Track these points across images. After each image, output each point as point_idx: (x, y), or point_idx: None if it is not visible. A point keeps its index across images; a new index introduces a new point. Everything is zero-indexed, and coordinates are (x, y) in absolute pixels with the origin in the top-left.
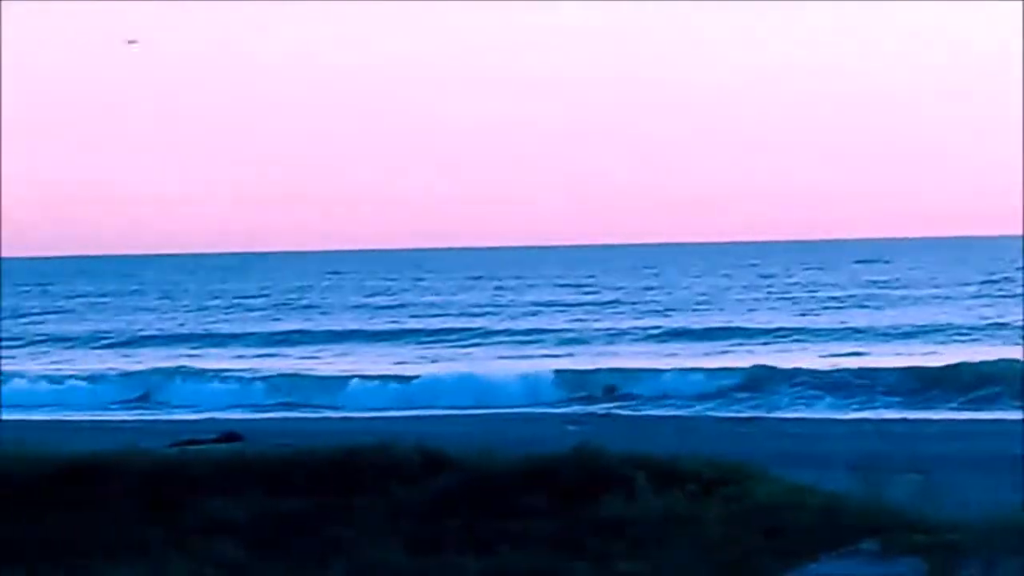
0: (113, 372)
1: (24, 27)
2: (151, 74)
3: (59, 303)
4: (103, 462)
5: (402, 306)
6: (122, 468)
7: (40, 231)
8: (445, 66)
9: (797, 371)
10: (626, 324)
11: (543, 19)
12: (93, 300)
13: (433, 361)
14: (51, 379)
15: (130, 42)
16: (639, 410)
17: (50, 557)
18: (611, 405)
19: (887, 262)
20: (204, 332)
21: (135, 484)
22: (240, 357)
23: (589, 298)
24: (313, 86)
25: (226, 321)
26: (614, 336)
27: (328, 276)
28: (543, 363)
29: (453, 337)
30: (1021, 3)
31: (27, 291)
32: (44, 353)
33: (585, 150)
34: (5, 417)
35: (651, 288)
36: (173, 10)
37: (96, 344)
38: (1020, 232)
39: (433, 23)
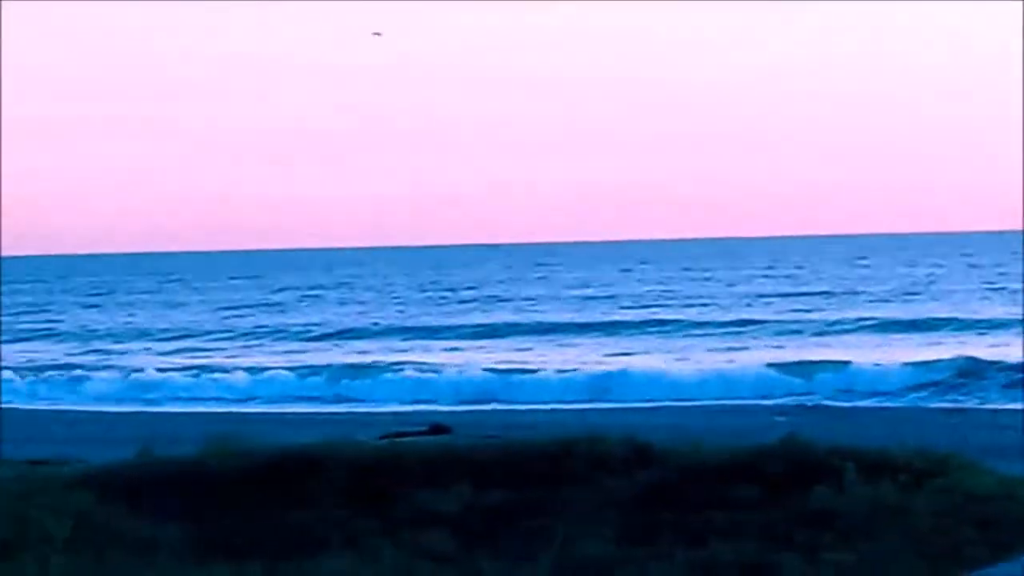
0: (322, 364)
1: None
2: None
3: (269, 296)
4: (315, 454)
5: (612, 297)
6: (333, 460)
7: (252, 225)
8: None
9: (1009, 362)
10: (837, 315)
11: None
12: (304, 293)
13: (644, 352)
14: (261, 372)
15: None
16: (849, 401)
17: (263, 550)
18: (821, 396)
19: None
20: (413, 325)
21: (346, 476)
22: (451, 349)
23: (800, 289)
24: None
25: (435, 313)
26: (825, 326)
27: (537, 267)
28: (754, 354)
29: (665, 328)
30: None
31: (237, 283)
32: (256, 346)
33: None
34: (216, 410)
35: (862, 278)
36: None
37: (306, 336)
38: None
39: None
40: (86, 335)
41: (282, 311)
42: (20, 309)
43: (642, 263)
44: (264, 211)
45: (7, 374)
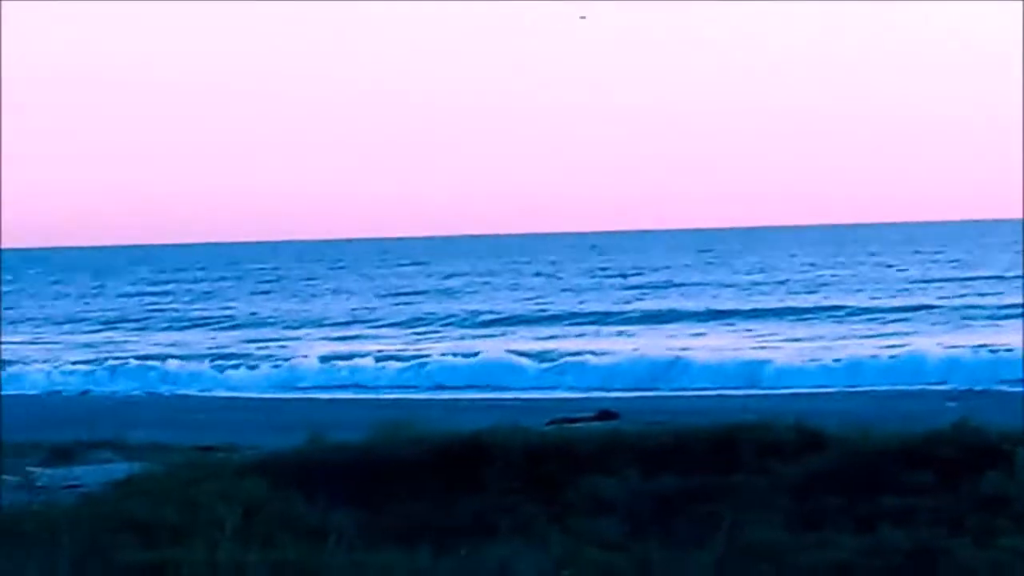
0: (489, 350)
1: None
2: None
3: (439, 282)
4: (483, 441)
5: (782, 283)
6: (502, 446)
7: (429, 213)
8: None
9: None
10: (1009, 299)
11: None
12: (472, 279)
13: (813, 338)
14: (427, 357)
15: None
16: (1020, 386)
17: (432, 536)
18: (992, 380)
19: None
20: (580, 310)
21: (515, 462)
22: (619, 334)
23: (969, 273)
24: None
25: (604, 299)
26: (996, 311)
27: (703, 253)
28: (924, 339)
29: (836, 313)
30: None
31: (405, 270)
32: (425, 332)
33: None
34: (384, 396)
35: None
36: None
37: (475, 323)
38: None
39: None
40: (256, 322)
41: (452, 297)
42: (192, 296)
43: (810, 247)
44: (422, 199)
45: (174, 363)
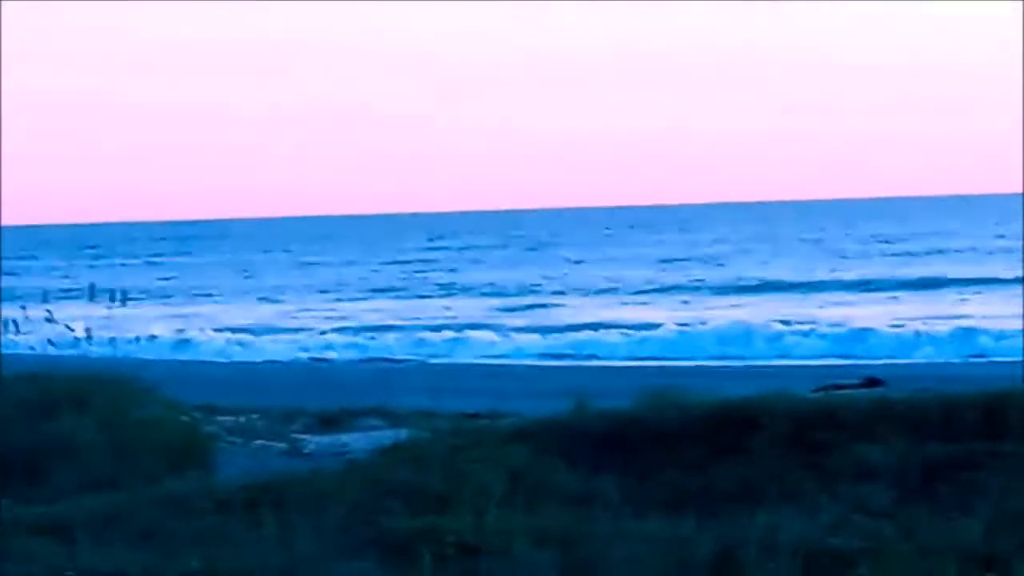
0: (749, 317)
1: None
2: None
3: (703, 249)
4: (751, 407)
5: None
6: (769, 413)
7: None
8: None
9: None
10: None
11: None
12: (740, 245)
13: None
14: (688, 324)
15: None
16: None
17: (698, 503)
18: None
19: None
20: (842, 278)
21: (782, 428)
22: (886, 301)
23: None
24: None
25: (866, 266)
26: None
27: (968, 217)
28: None
29: None
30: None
31: (668, 237)
32: (686, 299)
33: None
34: (645, 364)
35: None
36: None
37: (737, 288)
38: None
39: None
40: (520, 290)
41: (716, 264)
42: (460, 264)
43: None
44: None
45: (437, 331)
